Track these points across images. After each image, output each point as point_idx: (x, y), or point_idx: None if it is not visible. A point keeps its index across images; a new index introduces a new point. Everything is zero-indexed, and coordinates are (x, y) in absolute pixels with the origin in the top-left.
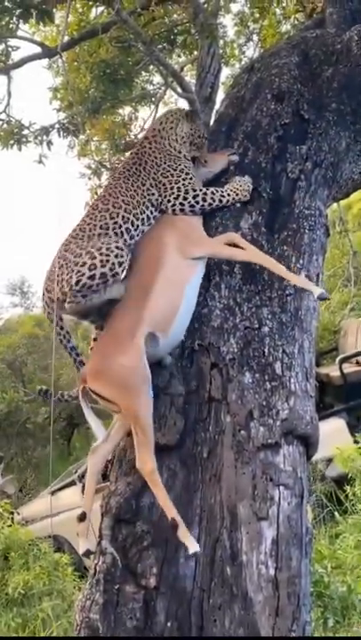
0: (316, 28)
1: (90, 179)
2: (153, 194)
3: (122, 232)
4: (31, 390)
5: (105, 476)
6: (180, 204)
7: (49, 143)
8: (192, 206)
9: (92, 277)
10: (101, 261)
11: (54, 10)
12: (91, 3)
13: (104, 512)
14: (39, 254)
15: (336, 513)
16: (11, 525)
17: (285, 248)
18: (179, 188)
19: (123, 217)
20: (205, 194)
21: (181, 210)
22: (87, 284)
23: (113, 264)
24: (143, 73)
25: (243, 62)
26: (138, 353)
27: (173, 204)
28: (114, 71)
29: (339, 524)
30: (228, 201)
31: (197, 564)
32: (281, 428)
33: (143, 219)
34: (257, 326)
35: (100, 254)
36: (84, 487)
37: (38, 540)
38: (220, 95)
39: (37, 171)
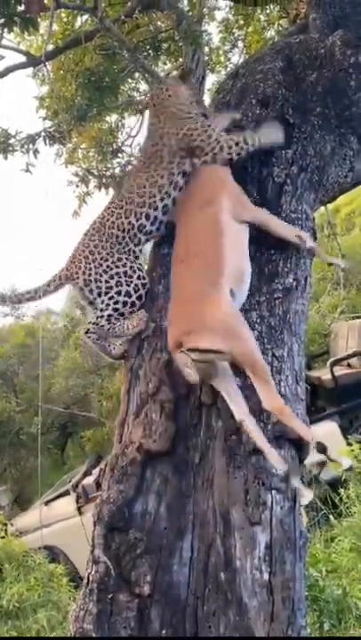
0: (300, 33)
1: (77, 186)
2: (184, 163)
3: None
4: (23, 400)
5: (99, 485)
6: (228, 153)
7: (35, 151)
8: (239, 151)
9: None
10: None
11: (39, 19)
12: (75, 11)
13: (96, 520)
14: (34, 257)
15: (331, 516)
16: (4, 537)
17: (273, 252)
18: (217, 140)
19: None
20: (241, 137)
21: (229, 157)
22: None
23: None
24: (129, 80)
25: (228, 69)
26: (230, 302)
27: (221, 155)
28: (99, 79)
29: (334, 528)
30: (262, 142)
31: (191, 571)
32: (272, 432)
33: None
34: None
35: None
36: (77, 497)
37: (32, 550)
38: (206, 101)
39: (26, 176)
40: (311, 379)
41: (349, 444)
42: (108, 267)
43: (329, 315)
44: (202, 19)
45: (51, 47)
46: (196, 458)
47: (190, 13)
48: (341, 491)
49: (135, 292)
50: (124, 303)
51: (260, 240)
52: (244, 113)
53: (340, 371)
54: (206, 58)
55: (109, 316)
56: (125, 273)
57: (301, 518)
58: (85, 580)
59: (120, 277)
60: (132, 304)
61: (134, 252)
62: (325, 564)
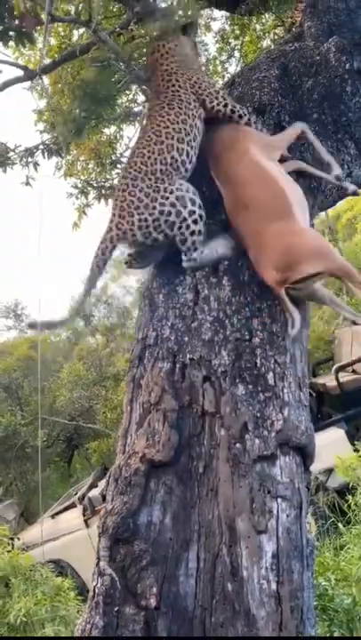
0: (295, 41)
1: (77, 198)
2: (199, 108)
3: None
4: (28, 413)
5: (105, 497)
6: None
7: (35, 165)
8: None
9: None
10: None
11: (35, 33)
12: (72, 25)
13: (101, 532)
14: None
15: (339, 524)
16: (10, 551)
17: None
18: (223, 99)
19: (178, 148)
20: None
21: (240, 116)
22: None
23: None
24: (126, 92)
25: (225, 78)
26: (310, 228)
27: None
28: (95, 91)
29: (343, 536)
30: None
31: (198, 582)
32: (276, 439)
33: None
34: (248, 338)
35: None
36: (84, 509)
37: (40, 564)
38: None
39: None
40: (316, 385)
41: (356, 451)
42: (161, 203)
43: (332, 321)
44: (197, 29)
45: (48, 61)
46: (200, 467)
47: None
48: (350, 498)
49: (197, 206)
50: (196, 221)
51: None
52: None
53: (345, 377)
54: (203, 68)
55: (193, 243)
56: (178, 197)
57: (308, 526)
58: (91, 593)
59: (178, 203)
60: (201, 216)
61: (171, 181)
62: (335, 572)
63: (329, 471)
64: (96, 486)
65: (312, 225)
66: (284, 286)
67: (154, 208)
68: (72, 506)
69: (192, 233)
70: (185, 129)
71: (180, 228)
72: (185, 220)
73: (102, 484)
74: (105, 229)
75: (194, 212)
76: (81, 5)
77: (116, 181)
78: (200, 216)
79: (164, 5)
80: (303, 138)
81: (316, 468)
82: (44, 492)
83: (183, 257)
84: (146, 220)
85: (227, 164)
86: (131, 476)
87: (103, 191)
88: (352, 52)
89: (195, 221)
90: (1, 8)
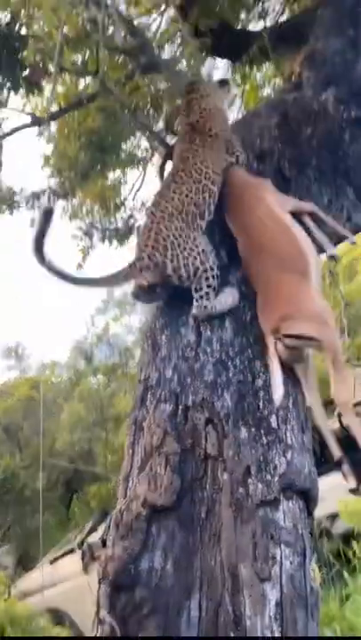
0: (295, 90)
1: (82, 239)
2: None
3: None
4: (27, 456)
5: (105, 543)
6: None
7: (40, 207)
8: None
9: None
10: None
11: (43, 81)
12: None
13: (101, 579)
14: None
15: (345, 572)
16: (7, 600)
17: None
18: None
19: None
20: None
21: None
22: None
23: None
24: (131, 137)
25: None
26: (320, 294)
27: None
28: (101, 139)
29: (348, 585)
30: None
31: (200, 632)
32: (279, 484)
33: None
34: (250, 380)
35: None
36: (83, 555)
37: (37, 614)
38: None
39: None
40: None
41: None
42: (190, 248)
43: None
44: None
45: (55, 108)
46: (202, 512)
47: (189, 74)
48: (355, 544)
49: (215, 264)
50: (214, 276)
51: None
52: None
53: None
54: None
55: (207, 293)
56: (204, 250)
57: (313, 574)
58: None
59: (202, 255)
60: (217, 276)
61: (201, 227)
62: (340, 622)
63: (333, 517)
64: (95, 531)
65: None
66: (275, 337)
67: (184, 249)
68: (71, 552)
69: (208, 285)
70: (215, 178)
71: (200, 277)
72: (206, 271)
73: (102, 528)
74: (135, 257)
75: (213, 269)
76: (87, 55)
77: (120, 224)
78: (217, 275)
79: (168, 57)
80: (314, 215)
81: (320, 513)
82: (43, 538)
83: (195, 303)
84: (177, 256)
85: (243, 210)
86: (132, 520)
87: (107, 233)
88: (349, 102)
89: (213, 277)
90: (12, 59)
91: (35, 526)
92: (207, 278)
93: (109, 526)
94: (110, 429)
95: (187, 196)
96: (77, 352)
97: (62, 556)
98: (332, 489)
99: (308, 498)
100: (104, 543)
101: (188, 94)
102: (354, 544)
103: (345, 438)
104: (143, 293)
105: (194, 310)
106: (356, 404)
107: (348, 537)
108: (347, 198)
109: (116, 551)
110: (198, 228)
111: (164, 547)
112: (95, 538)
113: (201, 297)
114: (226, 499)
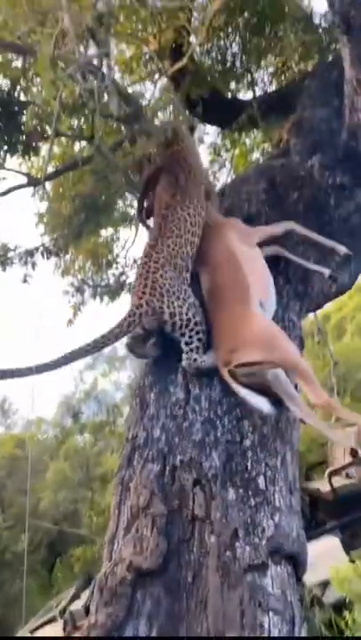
0: (282, 156)
1: (73, 296)
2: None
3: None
4: (10, 516)
5: (88, 610)
6: None
7: (33, 264)
8: None
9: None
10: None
11: (39, 144)
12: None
13: None
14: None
15: None
16: None
17: None
18: None
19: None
20: None
21: None
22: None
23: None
24: (125, 198)
25: (217, 188)
26: (262, 314)
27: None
28: (94, 199)
29: None
30: None
31: None
32: (267, 547)
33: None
34: (239, 440)
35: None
36: (65, 624)
37: None
38: None
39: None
40: (310, 491)
41: (352, 561)
42: (183, 299)
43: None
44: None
45: (50, 169)
46: (189, 576)
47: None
48: (347, 614)
49: (203, 320)
50: (203, 332)
51: None
52: None
53: (338, 481)
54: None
55: (197, 347)
56: (193, 303)
57: None
58: None
59: (193, 308)
60: (205, 332)
61: (187, 279)
62: None
63: (324, 584)
64: (79, 598)
65: (300, 327)
66: (228, 368)
67: (178, 298)
68: (52, 620)
69: (199, 339)
70: (197, 231)
71: (191, 329)
72: (197, 324)
73: (85, 595)
74: (132, 306)
75: (202, 324)
76: (83, 121)
77: (112, 281)
78: (205, 330)
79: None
80: (296, 234)
81: (310, 580)
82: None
83: (184, 356)
84: (173, 303)
85: (205, 248)
86: (117, 585)
87: (98, 289)
88: (335, 169)
89: (202, 332)
90: (11, 123)
91: (14, 592)
92: (198, 332)
93: (93, 591)
94: (96, 489)
95: (173, 249)
96: (64, 408)
97: (43, 625)
98: (323, 554)
99: (296, 563)
100: (87, 611)
101: (172, 147)
102: (346, 613)
103: (337, 501)
104: (137, 346)
105: (183, 363)
106: (349, 465)
107: (340, 606)
108: (333, 260)
109: (100, 618)
110: (185, 280)
111: (150, 613)
112: (78, 605)
113: (191, 350)
114: (213, 562)
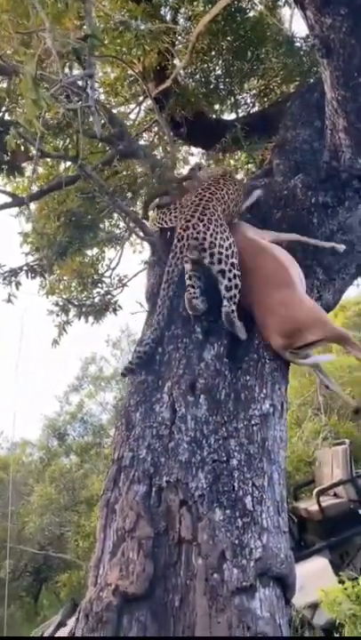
0: (265, 176)
1: (58, 315)
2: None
3: None
4: None
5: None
6: None
7: (17, 284)
8: None
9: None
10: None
11: (24, 164)
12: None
13: None
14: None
15: None
16: None
17: (248, 378)
18: None
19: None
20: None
21: None
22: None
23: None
24: (111, 218)
25: None
26: (307, 296)
27: None
28: (79, 219)
29: None
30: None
31: None
32: (255, 569)
33: None
34: (225, 459)
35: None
36: None
37: None
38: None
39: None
40: (299, 511)
41: (342, 582)
42: (227, 237)
43: (312, 441)
44: (175, 165)
45: (35, 189)
46: (175, 601)
47: (164, 161)
48: (337, 636)
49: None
50: (238, 287)
51: (235, 366)
52: None
53: (326, 501)
54: None
55: (235, 296)
56: (235, 252)
57: None
58: None
59: (235, 256)
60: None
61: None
62: None
63: (314, 606)
64: (65, 625)
65: None
66: (288, 350)
67: (223, 232)
68: None
69: (236, 286)
70: (235, 202)
71: (234, 275)
72: (236, 277)
73: (71, 622)
74: (180, 229)
75: (240, 278)
76: (68, 141)
77: (97, 300)
78: (239, 277)
79: (145, 143)
80: (299, 242)
81: (299, 601)
82: (8, 632)
83: (225, 303)
84: (217, 235)
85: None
86: (102, 611)
87: (83, 309)
88: (317, 188)
89: (238, 286)
90: None
91: None
92: (237, 285)
93: (78, 618)
94: (83, 512)
95: (222, 198)
96: (50, 430)
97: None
98: (312, 576)
99: (285, 584)
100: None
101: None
102: (337, 636)
103: (325, 521)
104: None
105: (224, 308)
106: (337, 484)
107: (330, 628)
108: (317, 278)
109: None
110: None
111: None
112: (64, 633)
113: (230, 298)
114: (200, 586)
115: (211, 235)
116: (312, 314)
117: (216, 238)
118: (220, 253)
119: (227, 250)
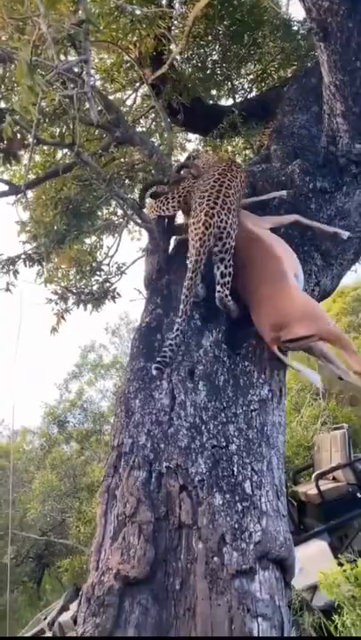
0: (263, 162)
1: (57, 303)
2: None
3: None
4: None
5: (76, 621)
6: None
7: (15, 272)
8: None
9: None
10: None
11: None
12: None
13: None
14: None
15: None
16: None
17: (247, 364)
18: None
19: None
20: None
21: None
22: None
23: None
24: (108, 205)
25: None
26: (298, 287)
27: None
28: (77, 206)
29: None
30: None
31: None
32: (255, 552)
33: None
34: (224, 444)
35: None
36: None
37: None
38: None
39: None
40: (298, 495)
41: (340, 564)
42: (236, 227)
43: (311, 426)
44: (172, 152)
45: (31, 177)
46: (176, 584)
47: (161, 147)
48: (336, 618)
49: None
50: (232, 265)
51: (233, 353)
52: None
53: (325, 485)
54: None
55: (228, 282)
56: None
57: None
58: None
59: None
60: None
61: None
62: None
63: (313, 588)
64: (67, 609)
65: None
66: (278, 344)
67: (234, 224)
68: (41, 632)
69: (230, 273)
70: (240, 194)
71: (230, 263)
72: (231, 265)
73: (74, 606)
74: (206, 218)
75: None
76: (65, 128)
77: (95, 287)
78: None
79: (142, 129)
80: (300, 224)
81: (299, 584)
82: (11, 617)
83: (218, 288)
84: (232, 225)
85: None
86: (104, 594)
87: (82, 297)
88: (315, 173)
89: (231, 273)
90: None
91: (2, 605)
92: (230, 272)
93: (80, 602)
94: (84, 499)
95: (233, 181)
96: (50, 418)
97: (31, 638)
98: (312, 558)
99: (284, 567)
100: (76, 622)
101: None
102: (336, 617)
103: (324, 504)
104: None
105: (217, 294)
106: (335, 468)
107: (328, 610)
108: (314, 264)
109: (88, 629)
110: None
111: (138, 623)
112: (67, 617)
113: (224, 284)
114: (201, 569)
115: (230, 225)
116: (303, 308)
117: (232, 229)
118: (229, 244)
119: (233, 240)
